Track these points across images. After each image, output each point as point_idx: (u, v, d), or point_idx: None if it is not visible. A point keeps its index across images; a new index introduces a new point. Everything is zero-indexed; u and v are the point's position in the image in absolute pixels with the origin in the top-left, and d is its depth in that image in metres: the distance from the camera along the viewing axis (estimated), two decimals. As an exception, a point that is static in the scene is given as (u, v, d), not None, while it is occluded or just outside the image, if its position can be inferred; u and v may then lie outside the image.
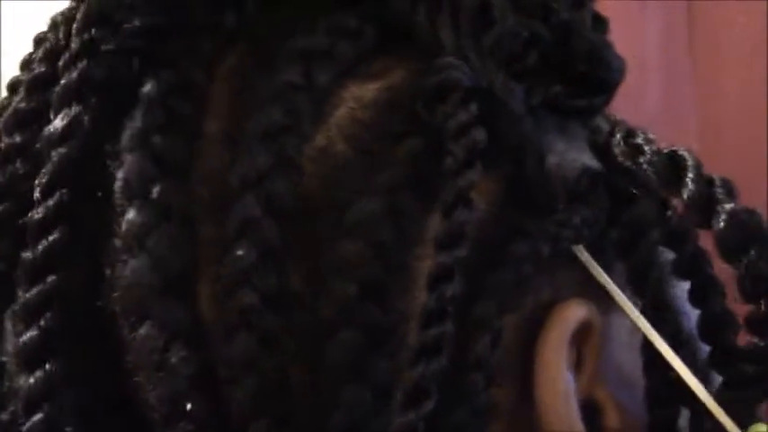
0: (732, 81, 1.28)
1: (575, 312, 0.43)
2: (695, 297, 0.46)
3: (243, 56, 0.43)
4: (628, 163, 0.44)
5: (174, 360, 0.39)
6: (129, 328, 0.40)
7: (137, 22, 0.43)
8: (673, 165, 0.43)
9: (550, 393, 0.42)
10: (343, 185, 0.41)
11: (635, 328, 0.44)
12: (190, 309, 0.40)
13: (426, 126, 0.41)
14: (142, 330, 0.40)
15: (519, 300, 0.41)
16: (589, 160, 0.45)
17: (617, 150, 0.44)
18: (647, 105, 1.23)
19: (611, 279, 0.44)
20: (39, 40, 0.46)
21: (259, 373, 0.39)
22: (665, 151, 0.44)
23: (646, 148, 0.43)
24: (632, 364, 0.45)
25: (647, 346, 0.44)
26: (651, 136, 0.44)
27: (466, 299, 0.40)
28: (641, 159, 0.43)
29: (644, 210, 0.45)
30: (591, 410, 0.43)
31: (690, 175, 0.42)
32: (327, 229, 0.40)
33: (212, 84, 0.43)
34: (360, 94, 0.42)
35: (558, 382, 0.42)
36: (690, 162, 0.43)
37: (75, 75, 0.42)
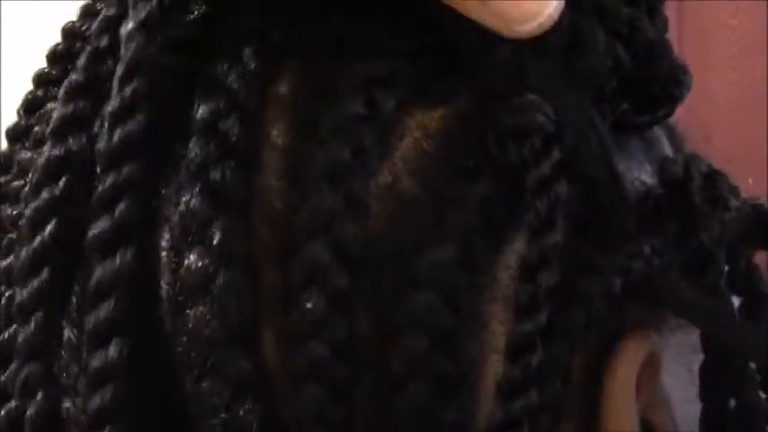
0: (721, 83, 1.27)
1: (642, 347, 0.41)
2: (746, 312, 0.45)
3: (297, 77, 0.40)
4: (709, 215, 0.42)
5: (241, 413, 0.38)
6: (191, 379, 0.38)
7: (177, 34, 0.40)
8: (759, 223, 0.42)
9: (619, 428, 0.41)
10: (410, 227, 0.39)
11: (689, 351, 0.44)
12: (253, 357, 0.38)
13: (497, 164, 0.39)
14: (205, 384, 0.38)
15: (588, 336, 0.40)
16: (648, 178, 0.43)
17: (697, 199, 0.42)
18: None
19: (680, 302, 0.42)
20: (69, 33, 0.44)
21: (328, 425, 0.38)
22: (750, 204, 0.43)
23: (730, 203, 0.42)
24: (683, 386, 0.44)
25: (707, 369, 0.43)
26: (733, 182, 0.43)
27: None
28: (726, 216, 0.42)
29: (712, 235, 0.43)
30: None
31: None
32: (396, 276, 0.39)
33: (266, 107, 0.40)
34: (425, 122, 0.40)
35: (628, 418, 0.41)
36: None
37: (125, 93, 0.40)
